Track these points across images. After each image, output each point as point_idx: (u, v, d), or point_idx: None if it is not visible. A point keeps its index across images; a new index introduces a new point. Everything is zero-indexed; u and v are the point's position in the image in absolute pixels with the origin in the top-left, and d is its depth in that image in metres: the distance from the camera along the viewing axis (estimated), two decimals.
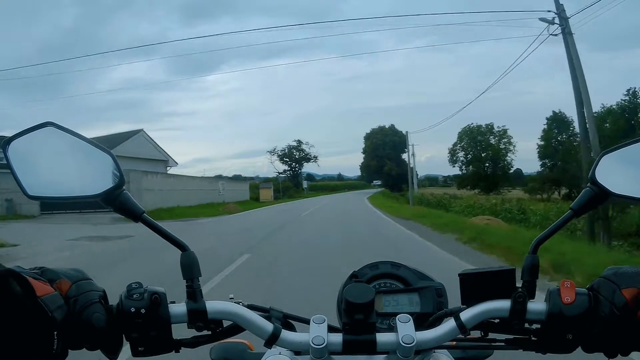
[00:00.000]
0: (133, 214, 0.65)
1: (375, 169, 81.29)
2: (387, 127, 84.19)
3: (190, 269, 0.64)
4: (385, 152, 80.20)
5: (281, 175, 74.61)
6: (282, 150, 77.00)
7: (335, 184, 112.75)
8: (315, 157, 77.71)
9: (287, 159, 76.62)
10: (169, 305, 0.62)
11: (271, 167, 78.98)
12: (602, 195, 0.65)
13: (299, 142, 77.22)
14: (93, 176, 0.65)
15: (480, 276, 0.65)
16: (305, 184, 71.33)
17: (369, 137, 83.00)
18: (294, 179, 75.00)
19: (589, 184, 0.66)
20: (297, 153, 77.47)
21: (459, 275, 0.66)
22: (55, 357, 0.54)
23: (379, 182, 61.65)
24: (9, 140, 0.62)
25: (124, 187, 0.65)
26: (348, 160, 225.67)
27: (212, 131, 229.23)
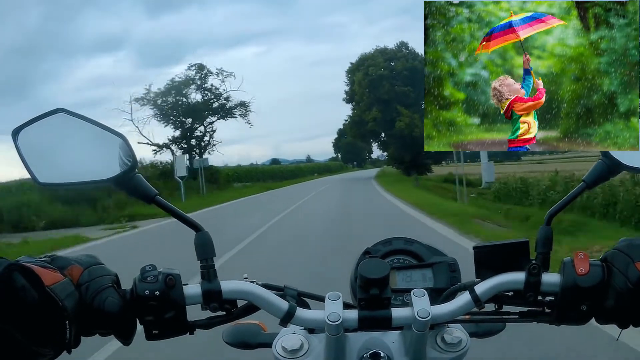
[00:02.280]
0: (146, 196, 0.64)
1: (375, 127, 38.76)
2: (391, 47, 42.08)
3: (204, 249, 0.64)
4: (394, 94, 37.59)
5: (169, 148, 30.76)
6: (161, 94, 29.79)
7: (296, 167, 65.96)
8: (244, 104, 32.18)
9: (173, 111, 30.22)
10: (183, 286, 0.61)
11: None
12: (613, 167, 0.65)
13: (201, 67, 31.01)
14: (105, 160, 0.63)
15: (494, 249, 0.64)
16: (181, 170, 20.98)
17: (358, 68, 39.92)
18: (190, 161, 29.00)
19: (600, 156, 0.66)
20: (199, 95, 31.26)
21: (474, 248, 0.66)
22: (69, 346, 0.53)
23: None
24: (18, 130, 0.62)
25: (136, 169, 0.64)
26: (317, 145, 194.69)
27: None
